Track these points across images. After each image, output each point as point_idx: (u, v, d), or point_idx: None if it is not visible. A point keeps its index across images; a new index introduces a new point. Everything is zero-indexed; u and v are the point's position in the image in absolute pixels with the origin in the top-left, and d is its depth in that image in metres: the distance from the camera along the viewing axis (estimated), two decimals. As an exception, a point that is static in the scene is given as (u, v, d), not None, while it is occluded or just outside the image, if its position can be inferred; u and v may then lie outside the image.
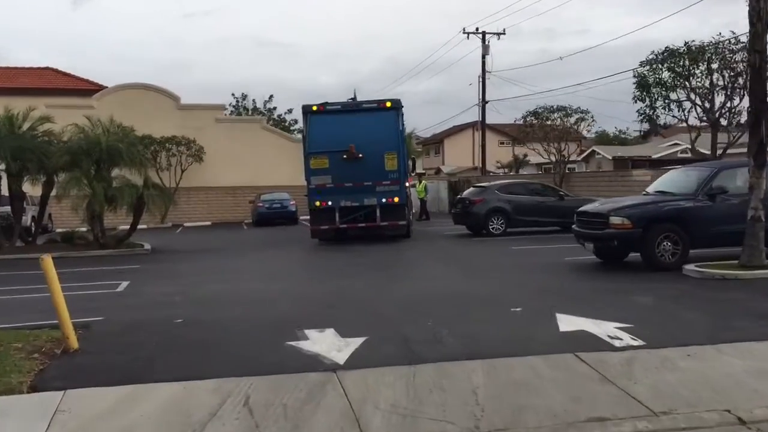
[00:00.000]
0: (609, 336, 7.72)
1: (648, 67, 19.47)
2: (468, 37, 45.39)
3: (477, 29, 42.91)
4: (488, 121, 45.29)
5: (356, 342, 7.74)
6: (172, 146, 36.82)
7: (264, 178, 38.29)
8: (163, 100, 38.28)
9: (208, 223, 37.31)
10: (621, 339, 7.59)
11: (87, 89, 39.62)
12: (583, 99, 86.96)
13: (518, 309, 9.35)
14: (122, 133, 21.28)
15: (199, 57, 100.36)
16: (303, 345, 7.71)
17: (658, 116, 19.81)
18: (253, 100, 59.65)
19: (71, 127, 21.04)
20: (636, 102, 19.85)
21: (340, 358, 7.17)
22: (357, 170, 18.95)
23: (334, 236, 20.00)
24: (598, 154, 45.96)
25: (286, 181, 38.23)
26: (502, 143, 74.32)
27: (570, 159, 30.49)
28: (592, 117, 29.11)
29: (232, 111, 55.08)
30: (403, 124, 19.55)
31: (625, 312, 8.88)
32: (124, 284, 13.44)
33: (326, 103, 19.65)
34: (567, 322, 8.37)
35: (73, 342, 7.70)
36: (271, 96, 60.70)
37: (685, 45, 18.90)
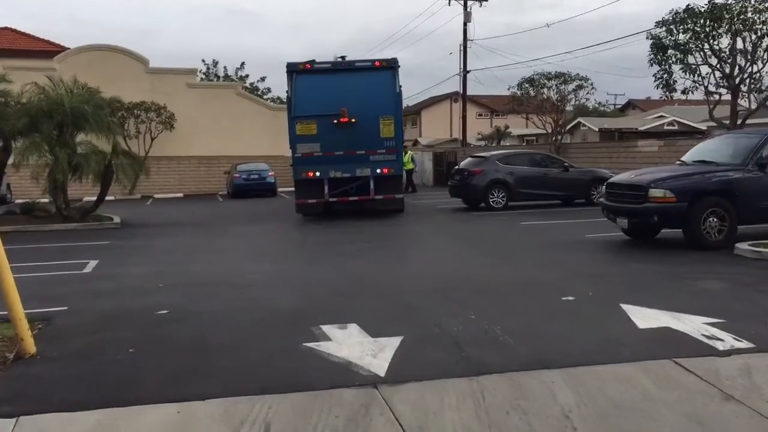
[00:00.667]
0: (705, 335, 6.24)
1: (664, 28, 17.92)
2: (449, 3, 43.70)
3: (459, -5, 41.05)
4: (468, 92, 43.71)
5: (392, 343, 6.16)
6: (141, 112, 34.57)
7: (240, 147, 36.28)
8: (131, 63, 35.88)
9: (180, 194, 35.25)
10: (722, 340, 6.12)
11: (49, 50, 37.02)
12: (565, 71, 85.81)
13: (570, 298, 7.84)
14: (88, 94, 19.22)
15: (166, 24, 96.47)
16: (326, 347, 6.11)
17: (675, 81, 18.33)
18: (225, 67, 57.08)
19: (30, 87, 18.92)
20: (652, 65, 18.33)
21: (379, 366, 5.58)
22: (349, 137, 16.88)
23: (322, 211, 18.08)
24: (584, 125, 44.69)
25: (263, 150, 36.36)
26: (480, 115, 72.91)
27: (558, 130, 29.01)
28: (591, 84, 27.57)
29: (202, 78, 52.54)
30: (399, 86, 17.61)
31: (703, 302, 7.43)
32: (93, 264, 11.66)
33: (314, 61, 17.59)
34: (641, 317, 6.88)
35: (30, 345, 5.99)
36: (242, 63, 58.41)
37: (708, 2, 17.36)
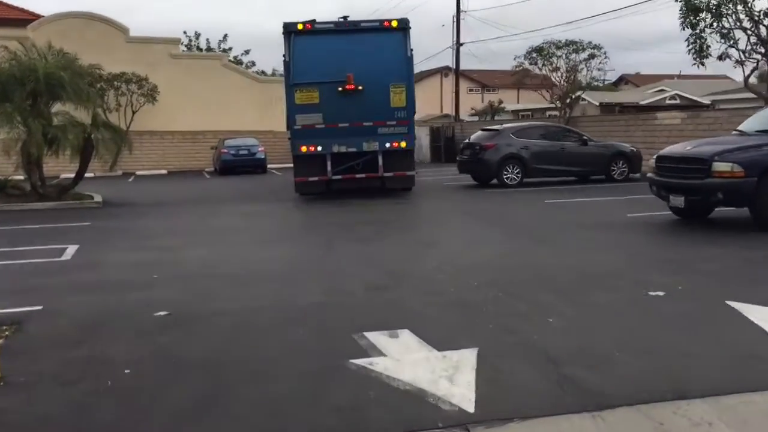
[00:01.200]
0: None
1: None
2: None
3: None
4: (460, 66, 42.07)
5: (466, 359, 4.74)
6: (122, 84, 32.67)
7: (227, 121, 34.54)
8: (111, 32, 33.88)
9: (164, 171, 33.46)
10: None
11: (21, 18, 34.80)
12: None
13: (659, 293, 6.44)
14: (64, 60, 17.46)
15: (146, 2, 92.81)
16: (382, 366, 4.66)
17: (709, 46, 16.87)
18: (207, 40, 54.69)
19: (0, 53, 17.15)
20: (684, 29, 16.85)
21: (463, 397, 4.15)
22: (355, 107, 15.11)
23: (324, 190, 16.34)
24: (584, 100, 43.18)
25: (251, 125, 34.68)
26: (471, 90, 71.29)
27: (568, 103, 27.56)
28: (605, 53, 26.03)
29: (184, 51, 50.37)
30: (411, 50, 15.81)
31: (829, 299, 6.08)
32: (72, 249, 10.10)
33: (315, 21, 15.60)
34: (763, 319, 5.51)
35: (-11, 368, 4.49)
36: (225, 35, 55.71)
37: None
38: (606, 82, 76.14)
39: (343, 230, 11.68)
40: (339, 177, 15.86)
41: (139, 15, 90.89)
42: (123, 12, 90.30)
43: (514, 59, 27.90)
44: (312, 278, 7.69)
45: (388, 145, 15.59)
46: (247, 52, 55.19)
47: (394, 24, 15.63)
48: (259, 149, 30.41)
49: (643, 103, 43.07)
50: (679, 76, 56.18)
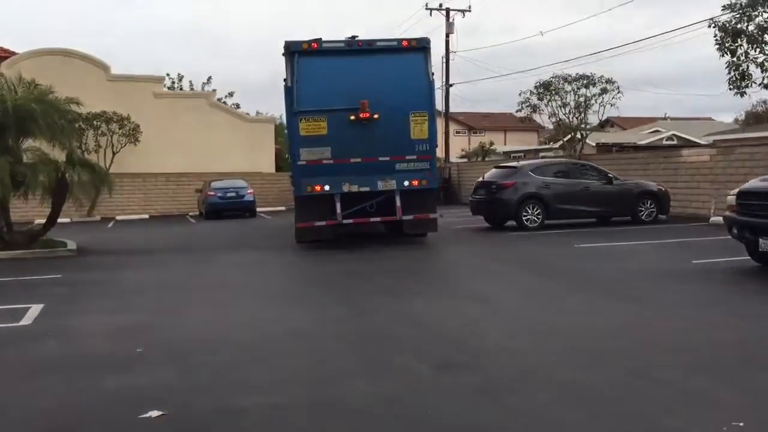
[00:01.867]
0: None
1: (734, 13, 15.07)
2: (431, 14, 40.39)
3: (441, 5, 38.12)
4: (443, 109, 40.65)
5: None
6: (102, 124, 30.78)
7: (213, 163, 32.69)
8: (90, 70, 32.10)
9: (146, 216, 31.34)
10: None
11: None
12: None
13: None
14: (37, 92, 15.62)
15: (127, 45, 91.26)
16: None
17: (750, 75, 15.44)
18: (190, 82, 53.16)
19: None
20: (723, 55, 15.44)
21: None
22: (369, 139, 13.08)
23: (331, 237, 13.87)
24: (579, 140, 42.07)
25: (239, 166, 32.86)
26: (458, 132, 70.32)
27: (579, 140, 26.18)
28: (617, 87, 24.68)
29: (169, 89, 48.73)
30: (432, 74, 13.85)
31: None
32: (36, 310, 8.09)
33: (321, 39, 13.55)
34: None
35: None
36: (209, 78, 54.14)
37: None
38: (588, 126, 76.15)
39: (364, 282, 9.79)
40: (350, 221, 13.57)
41: (118, 59, 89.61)
42: (101, 55, 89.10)
43: (519, 95, 26.47)
44: (350, 351, 5.80)
45: (407, 183, 13.39)
46: (231, 94, 53.48)
47: (414, 43, 13.66)
48: (248, 192, 28.53)
49: (641, 143, 42.07)
50: (668, 118, 55.66)
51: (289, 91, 13.34)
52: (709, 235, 14.38)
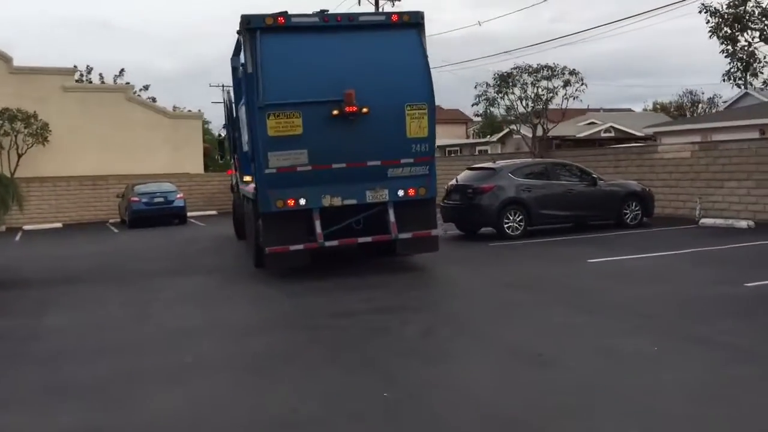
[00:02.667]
0: None
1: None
2: (359, 3, 38.09)
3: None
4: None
5: None
6: (4, 122, 27.23)
7: (134, 164, 29.70)
8: (-11, 61, 28.42)
9: (59, 224, 27.98)
10: None
11: None
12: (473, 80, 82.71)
13: None
14: None
15: (31, 39, 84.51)
16: None
17: (759, 59, 14.09)
18: (101, 75, 49.07)
19: None
20: (725, 44, 14.07)
21: None
22: (356, 138, 10.47)
23: (308, 262, 11.06)
24: (517, 134, 41.03)
25: (163, 167, 30.02)
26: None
27: (544, 136, 24.76)
28: (581, 79, 23.26)
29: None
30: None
31: None
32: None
33: (287, 13, 10.66)
34: None
35: None
36: (122, 70, 50.12)
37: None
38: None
39: (369, 330, 7.67)
40: (334, 242, 10.86)
41: (20, 51, 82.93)
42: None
43: (475, 87, 24.73)
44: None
45: (401, 193, 10.86)
46: (146, 87, 49.99)
47: (406, 18, 10.90)
48: (178, 196, 25.75)
49: (579, 136, 41.43)
50: (602, 110, 55.58)
51: (250, 80, 10.43)
52: (718, 243, 13.07)
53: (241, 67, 11.01)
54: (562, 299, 8.79)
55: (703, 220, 16.17)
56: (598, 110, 54.80)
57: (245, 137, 12.00)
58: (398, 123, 10.66)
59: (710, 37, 14.18)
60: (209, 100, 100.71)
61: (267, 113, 10.19)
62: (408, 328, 7.70)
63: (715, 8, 14.04)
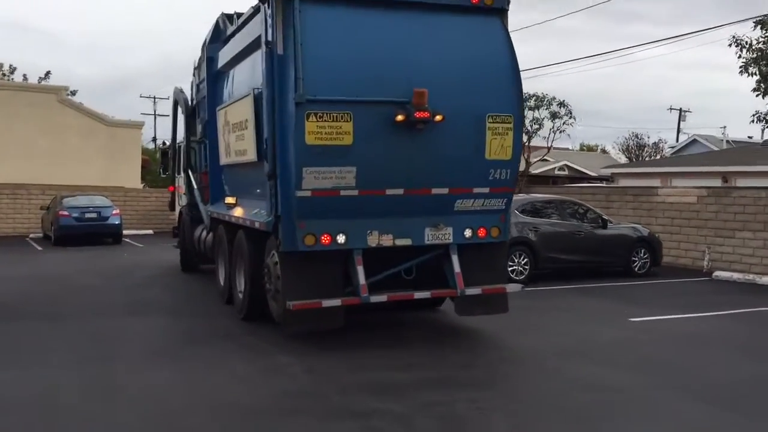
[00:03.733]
0: None
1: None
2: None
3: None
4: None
5: None
6: None
7: (61, 173, 26.56)
8: None
9: (-31, 238, 24.53)
10: None
11: None
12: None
13: None
14: None
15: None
16: None
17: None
18: (24, 76, 45.14)
19: None
20: (760, 82, 12.88)
21: None
22: (420, 156, 7.81)
23: (341, 324, 7.97)
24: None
25: (95, 179, 27.02)
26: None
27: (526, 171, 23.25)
28: (569, 111, 21.95)
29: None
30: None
31: None
32: None
33: None
34: None
35: None
36: (48, 72, 46.24)
37: None
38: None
39: (449, 423, 5.59)
40: (383, 298, 7.99)
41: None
42: None
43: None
44: None
45: (469, 233, 8.25)
46: (73, 93, 46.27)
47: (488, 1, 8.17)
48: (113, 212, 22.85)
49: (534, 172, 40.57)
50: (552, 147, 55.19)
51: (281, 63, 7.51)
52: (757, 302, 11.69)
53: (264, 47, 7.66)
54: (664, 380, 6.96)
55: (717, 273, 14.85)
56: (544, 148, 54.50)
57: (231, 146, 9.53)
58: (476, 139, 7.98)
59: (740, 73, 13.07)
60: (138, 112, 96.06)
61: (306, 112, 7.26)
62: (493, 420, 5.68)
63: (747, 42, 12.91)
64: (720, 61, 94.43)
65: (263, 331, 8.74)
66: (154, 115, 53.71)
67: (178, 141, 15.59)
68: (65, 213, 21.93)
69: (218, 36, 10.96)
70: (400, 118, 7.51)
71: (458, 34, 8.08)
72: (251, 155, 8.53)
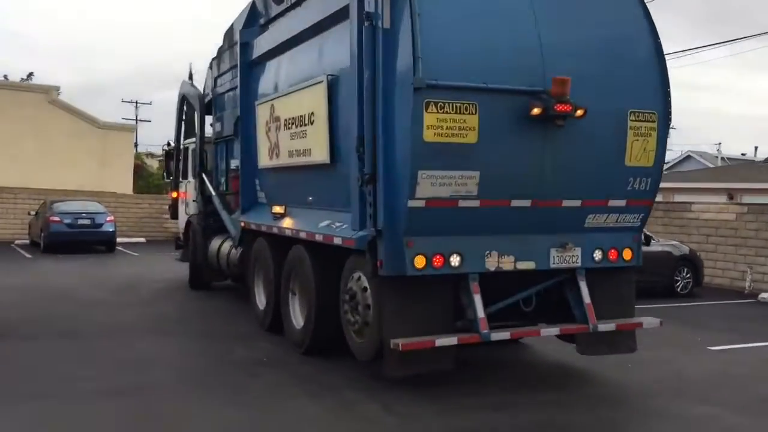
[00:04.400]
0: None
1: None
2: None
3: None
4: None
5: None
6: None
7: (50, 177, 25.29)
8: None
9: (-50, 244, 23.09)
10: None
11: None
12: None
13: None
14: None
15: None
16: None
17: None
18: (5, 76, 43.49)
19: None
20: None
21: None
22: (553, 159, 6.37)
23: (451, 366, 6.47)
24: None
25: (85, 183, 25.77)
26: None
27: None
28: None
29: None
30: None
31: None
32: None
33: None
34: None
35: None
36: (30, 74, 44.63)
37: None
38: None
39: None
40: (505, 335, 6.60)
41: None
42: None
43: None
44: None
45: (599, 255, 6.82)
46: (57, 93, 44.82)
47: None
48: (107, 219, 21.62)
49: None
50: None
51: (388, 40, 6.03)
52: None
53: (361, 21, 6.20)
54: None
55: (763, 295, 14.09)
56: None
57: (282, 145, 8.25)
58: (615, 140, 6.61)
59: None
60: (118, 117, 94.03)
61: (426, 100, 5.75)
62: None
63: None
64: (699, 81, 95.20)
65: (316, 358, 7.71)
66: (136, 120, 52.23)
67: (185, 142, 14.29)
68: (56, 219, 20.65)
69: (254, 19, 9.71)
70: (536, 111, 6.04)
71: (594, 11, 6.70)
72: (319, 156, 7.33)
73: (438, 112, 5.81)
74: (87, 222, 21.19)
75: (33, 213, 22.77)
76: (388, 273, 6.08)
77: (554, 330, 6.88)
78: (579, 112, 6.14)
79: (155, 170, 35.88)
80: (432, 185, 5.93)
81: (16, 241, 23.77)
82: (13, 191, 24.79)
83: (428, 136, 5.80)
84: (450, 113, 5.85)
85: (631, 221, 6.94)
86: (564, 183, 6.49)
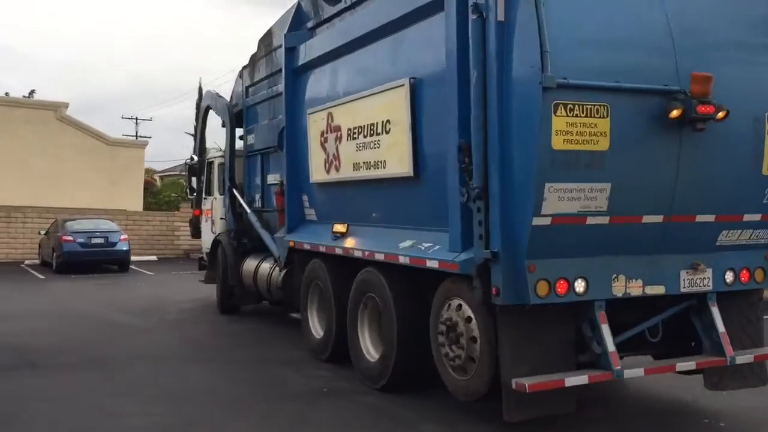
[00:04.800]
0: None
1: None
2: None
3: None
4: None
5: None
6: None
7: (59, 195, 24.79)
8: None
9: (-42, 264, 22.51)
10: None
11: None
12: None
13: None
14: None
15: None
16: None
17: None
18: (7, 94, 43.07)
19: None
20: None
21: None
22: (689, 169, 5.45)
23: (572, 410, 5.52)
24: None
25: (95, 201, 25.25)
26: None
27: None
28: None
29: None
30: None
31: None
32: None
33: None
34: None
35: None
36: (32, 91, 44.16)
37: None
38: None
39: None
40: (639, 372, 5.70)
41: None
42: None
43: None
44: None
45: (731, 278, 5.95)
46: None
47: None
48: (121, 237, 21.07)
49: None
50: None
51: (502, 34, 5.26)
52: None
53: (473, 17, 5.35)
54: None
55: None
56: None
57: (345, 157, 7.46)
58: (753, 147, 5.76)
59: None
60: (119, 133, 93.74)
61: (554, 102, 4.96)
62: None
63: None
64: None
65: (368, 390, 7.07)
66: (136, 136, 51.58)
67: (210, 156, 13.59)
68: (69, 238, 20.07)
69: (301, 21, 9.04)
70: (675, 113, 5.23)
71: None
72: (399, 168, 6.53)
73: (567, 116, 4.98)
74: (101, 241, 20.63)
75: (43, 232, 22.21)
76: (506, 302, 5.19)
77: (691, 364, 5.92)
78: (720, 114, 5.31)
79: (159, 187, 35.41)
80: (560, 200, 5.09)
81: (26, 261, 23.23)
82: (22, 210, 24.26)
83: (557, 143, 4.97)
84: (580, 117, 5.02)
85: (764, 237, 6.10)
86: (698, 195, 5.66)
